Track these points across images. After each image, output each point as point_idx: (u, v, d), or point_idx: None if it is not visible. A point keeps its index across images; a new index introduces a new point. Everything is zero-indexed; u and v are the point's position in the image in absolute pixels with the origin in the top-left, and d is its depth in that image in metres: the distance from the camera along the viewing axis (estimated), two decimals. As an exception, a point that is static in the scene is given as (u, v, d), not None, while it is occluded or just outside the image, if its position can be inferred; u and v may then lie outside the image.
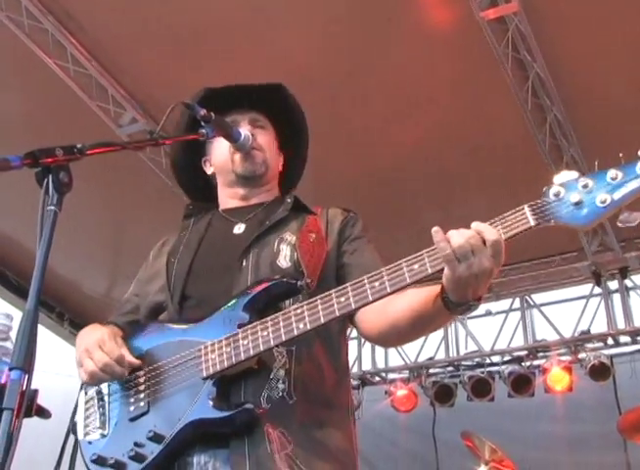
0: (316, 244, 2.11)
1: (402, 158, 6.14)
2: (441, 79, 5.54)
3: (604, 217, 1.69)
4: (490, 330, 7.78)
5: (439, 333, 7.75)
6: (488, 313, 7.86)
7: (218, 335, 1.91)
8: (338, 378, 2.05)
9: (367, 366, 8.14)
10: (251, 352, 1.84)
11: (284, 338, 1.82)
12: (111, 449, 1.94)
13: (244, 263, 2.07)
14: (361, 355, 8.16)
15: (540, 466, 7.09)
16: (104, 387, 2.07)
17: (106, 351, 1.97)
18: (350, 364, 3.37)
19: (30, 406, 3.42)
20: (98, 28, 5.38)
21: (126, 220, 7.11)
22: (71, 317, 8.22)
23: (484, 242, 1.68)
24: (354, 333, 2.56)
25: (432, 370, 7.97)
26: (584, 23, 5.10)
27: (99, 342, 1.99)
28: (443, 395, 7.70)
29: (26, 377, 1.41)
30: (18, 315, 1.60)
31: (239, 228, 2.23)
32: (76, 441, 2.04)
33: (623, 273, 7.26)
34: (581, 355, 7.31)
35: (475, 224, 1.71)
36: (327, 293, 1.82)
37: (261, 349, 1.84)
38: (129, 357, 1.99)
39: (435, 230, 1.70)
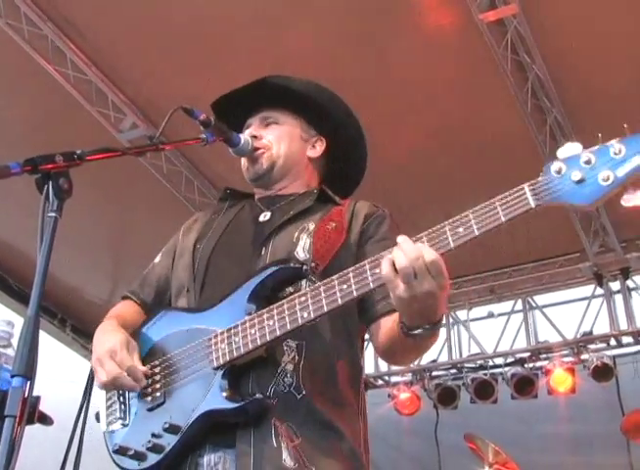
0: (333, 232, 2.10)
1: (402, 158, 6.14)
2: (441, 82, 5.54)
3: (607, 196, 1.58)
4: (493, 332, 7.78)
5: (442, 335, 7.73)
6: (491, 315, 7.86)
7: (227, 322, 1.92)
8: (350, 377, 2.03)
9: (370, 370, 8.10)
10: (259, 342, 1.85)
11: (289, 327, 1.83)
12: (130, 439, 1.97)
13: (263, 251, 2.08)
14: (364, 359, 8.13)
15: (544, 468, 7.08)
16: None
17: (117, 361, 1.97)
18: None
19: (33, 413, 3.42)
20: (97, 34, 5.39)
21: (127, 226, 7.11)
22: (74, 323, 8.21)
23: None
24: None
25: (434, 373, 7.96)
26: (583, 24, 5.10)
27: (110, 352, 1.99)
28: (446, 397, 7.69)
29: (28, 384, 1.42)
30: (19, 322, 1.59)
31: (264, 216, 2.23)
32: (80, 447, 2.04)
33: (625, 274, 7.25)
34: (584, 357, 7.30)
35: (415, 246, 1.68)
36: (329, 279, 1.82)
37: (268, 339, 1.85)
38: (140, 368, 1.99)
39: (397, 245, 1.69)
